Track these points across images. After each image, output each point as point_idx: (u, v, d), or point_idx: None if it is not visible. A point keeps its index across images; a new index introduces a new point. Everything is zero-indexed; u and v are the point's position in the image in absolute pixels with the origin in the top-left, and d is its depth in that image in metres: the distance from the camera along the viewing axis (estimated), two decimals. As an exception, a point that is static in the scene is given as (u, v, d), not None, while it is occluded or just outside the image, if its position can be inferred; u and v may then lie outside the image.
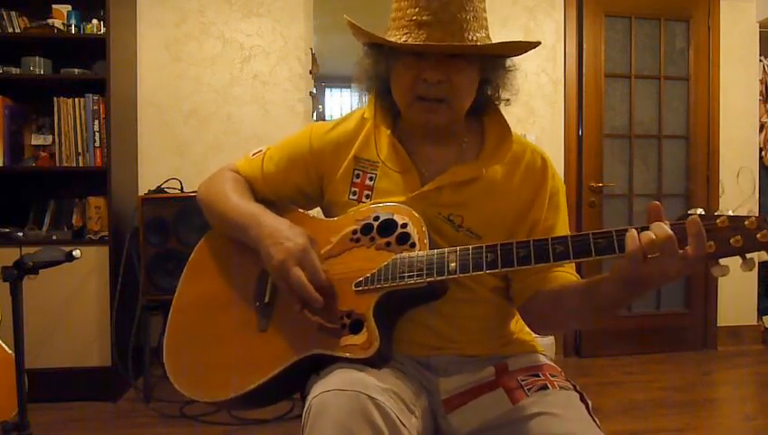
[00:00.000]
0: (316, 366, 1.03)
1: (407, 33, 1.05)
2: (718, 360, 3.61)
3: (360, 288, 1.03)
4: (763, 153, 3.88)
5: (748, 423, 2.71)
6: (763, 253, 0.85)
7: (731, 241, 0.84)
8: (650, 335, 3.70)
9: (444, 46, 1.03)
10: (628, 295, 0.93)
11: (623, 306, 1.00)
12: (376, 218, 1.09)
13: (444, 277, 0.99)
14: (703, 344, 3.76)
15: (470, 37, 1.04)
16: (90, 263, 2.81)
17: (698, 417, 2.73)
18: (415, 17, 1.04)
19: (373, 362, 0.98)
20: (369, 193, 1.15)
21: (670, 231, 0.85)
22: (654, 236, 0.85)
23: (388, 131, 1.17)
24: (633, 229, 0.87)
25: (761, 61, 3.84)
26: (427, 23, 1.03)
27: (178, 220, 2.76)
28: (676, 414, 2.74)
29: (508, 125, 1.17)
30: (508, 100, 1.18)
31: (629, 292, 0.92)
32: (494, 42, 1.08)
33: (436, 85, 1.06)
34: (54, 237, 2.82)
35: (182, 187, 3.04)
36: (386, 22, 1.12)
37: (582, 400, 1.05)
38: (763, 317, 3.86)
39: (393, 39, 1.05)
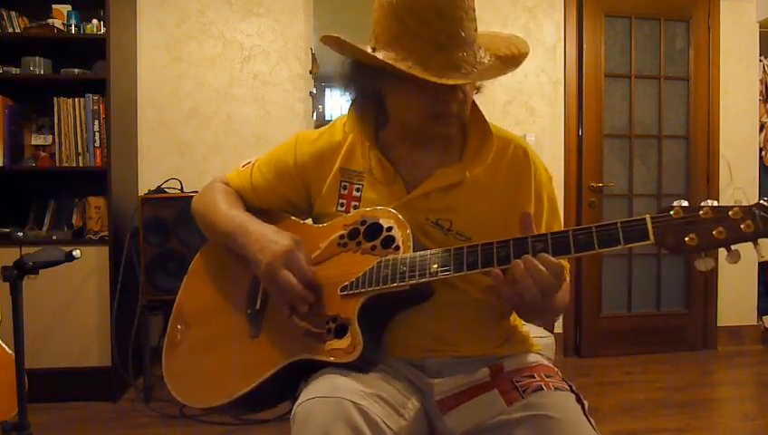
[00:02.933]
0: (305, 371, 1.04)
1: (426, 56, 1.00)
2: (718, 360, 3.61)
3: (346, 293, 1.04)
4: (763, 153, 3.88)
5: (748, 423, 2.71)
6: (762, 247, 0.84)
7: (713, 233, 0.83)
8: (650, 335, 3.70)
9: (476, 80, 1.05)
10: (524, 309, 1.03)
11: (544, 315, 1.07)
12: (362, 223, 1.10)
13: (426, 280, 0.99)
14: (703, 344, 3.76)
15: (477, 54, 1.04)
16: (90, 263, 2.81)
17: (698, 417, 2.73)
18: (431, 38, 1.00)
19: (358, 366, 0.99)
20: (357, 204, 1.15)
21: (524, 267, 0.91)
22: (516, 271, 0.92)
23: (369, 143, 1.16)
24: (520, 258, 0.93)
25: (761, 61, 3.84)
26: (446, 46, 1.00)
27: (178, 220, 2.76)
28: (676, 414, 2.74)
29: (488, 123, 1.17)
30: (478, 88, 1.16)
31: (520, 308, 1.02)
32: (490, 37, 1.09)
33: (455, 103, 1.06)
34: (54, 237, 2.82)
35: (182, 187, 3.04)
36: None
37: (578, 401, 1.04)
38: (763, 317, 3.86)
39: (411, 67, 1.00)
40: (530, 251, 0.92)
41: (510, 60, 1.08)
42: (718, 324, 3.78)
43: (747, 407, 2.97)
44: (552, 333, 2.71)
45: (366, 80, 1.10)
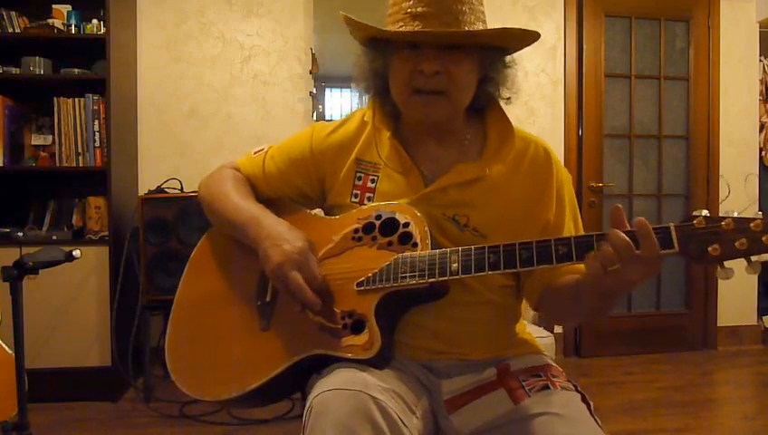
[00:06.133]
0: (317, 366, 1.03)
1: (402, 26, 1.04)
2: (718, 360, 3.61)
3: (362, 288, 1.03)
4: (763, 153, 3.88)
5: (748, 423, 2.71)
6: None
7: (736, 244, 0.84)
8: (650, 335, 3.70)
9: (438, 33, 1.03)
10: (605, 303, 0.97)
11: (607, 311, 1.01)
12: (378, 217, 1.09)
13: (446, 278, 0.98)
14: (703, 344, 3.76)
15: (466, 28, 1.04)
16: (90, 263, 2.80)
17: (698, 417, 2.72)
18: (410, 9, 1.04)
19: (375, 363, 0.98)
20: (371, 195, 1.14)
21: (627, 238, 0.86)
22: (611, 249, 0.86)
23: (389, 133, 1.16)
24: (592, 251, 0.89)
25: (761, 61, 3.84)
26: (422, 14, 1.03)
27: (178, 220, 2.76)
28: (676, 414, 2.74)
29: (510, 122, 1.17)
30: (509, 98, 1.17)
31: (603, 301, 0.95)
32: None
33: (433, 77, 1.05)
34: (54, 237, 2.81)
35: (182, 187, 3.04)
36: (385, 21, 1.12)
37: (584, 400, 1.05)
38: (763, 317, 3.86)
39: (380, 29, 1.06)
40: (553, 254, 0.92)
41: (503, 31, 1.07)
42: (718, 324, 3.78)
43: (747, 407, 2.96)
44: (552, 333, 2.70)
45: (371, 61, 1.13)
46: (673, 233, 0.87)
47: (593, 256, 0.88)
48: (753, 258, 0.84)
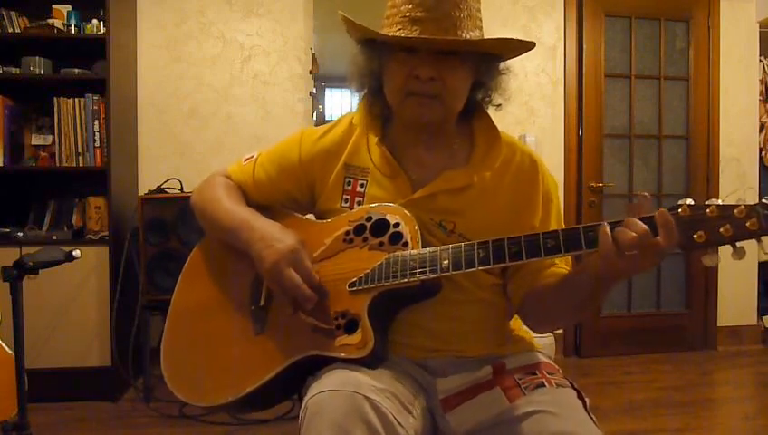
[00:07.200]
0: (313, 367, 1.03)
1: (400, 29, 1.05)
2: (718, 360, 3.61)
3: (354, 288, 1.04)
4: (763, 153, 3.88)
5: (748, 423, 2.71)
6: (765, 244, 0.85)
7: (720, 230, 0.85)
8: (650, 335, 3.70)
9: (435, 41, 1.03)
10: (604, 289, 0.97)
11: (602, 299, 1.01)
12: (368, 219, 1.10)
13: (437, 275, 0.99)
14: (703, 344, 3.76)
15: (464, 35, 1.04)
16: (90, 263, 2.81)
17: (698, 417, 2.72)
18: (408, 14, 1.04)
19: (368, 362, 0.99)
20: (361, 200, 1.15)
21: (645, 227, 0.86)
22: (633, 234, 0.86)
23: (376, 139, 1.17)
24: (605, 225, 0.88)
25: (761, 61, 3.84)
26: (421, 19, 1.03)
27: (178, 220, 2.76)
28: (676, 414, 2.74)
29: (497, 129, 1.18)
30: (500, 105, 1.18)
31: (604, 286, 0.96)
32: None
33: (428, 82, 1.06)
34: (54, 237, 2.81)
35: (182, 187, 3.04)
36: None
37: (580, 397, 1.05)
38: (763, 317, 3.86)
39: (377, 32, 1.06)
40: (541, 247, 0.93)
41: (500, 41, 1.08)
42: (718, 324, 3.78)
43: (747, 407, 2.96)
44: (552, 333, 2.71)
45: (367, 61, 1.13)
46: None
47: (606, 237, 0.88)
48: (738, 244, 0.85)
